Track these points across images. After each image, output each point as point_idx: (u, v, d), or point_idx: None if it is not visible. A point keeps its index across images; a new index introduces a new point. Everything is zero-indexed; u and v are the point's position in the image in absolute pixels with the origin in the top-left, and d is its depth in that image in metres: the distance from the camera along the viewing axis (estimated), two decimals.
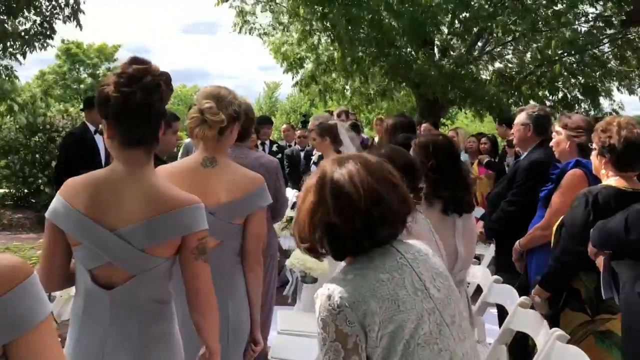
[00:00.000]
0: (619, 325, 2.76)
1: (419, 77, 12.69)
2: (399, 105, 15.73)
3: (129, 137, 1.93)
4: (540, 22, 12.66)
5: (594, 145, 3.05)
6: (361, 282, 1.57)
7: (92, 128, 6.47)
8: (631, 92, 14.24)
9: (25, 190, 11.36)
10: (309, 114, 24.22)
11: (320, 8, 12.50)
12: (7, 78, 13.88)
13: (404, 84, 14.09)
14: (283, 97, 39.51)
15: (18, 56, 12.58)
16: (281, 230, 5.33)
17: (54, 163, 9.26)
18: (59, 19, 12.45)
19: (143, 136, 1.94)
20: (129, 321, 1.94)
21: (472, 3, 12.84)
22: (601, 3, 13.45)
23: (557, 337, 2.66)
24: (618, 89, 14.20)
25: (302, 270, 3.94)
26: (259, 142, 7.93)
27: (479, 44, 14.16)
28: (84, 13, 12.46)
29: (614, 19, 13.14)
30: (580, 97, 14.07)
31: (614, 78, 13.90)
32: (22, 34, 12.30)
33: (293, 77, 14.55)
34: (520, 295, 3.28)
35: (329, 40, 13.44)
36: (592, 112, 13.80)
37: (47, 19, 12.39)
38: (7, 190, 11.61)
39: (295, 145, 9.11)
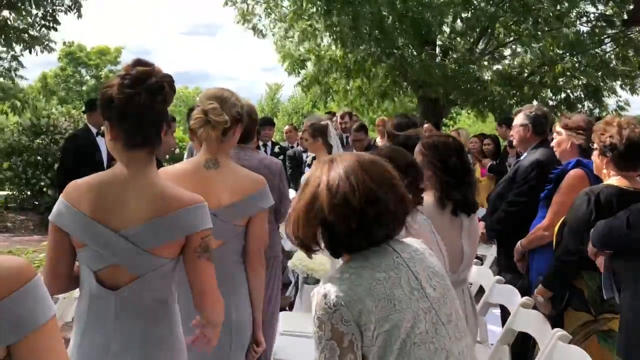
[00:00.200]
0: None
1: (421, 77, 12.68)
2: (400, 107, 15.72)
3: (133, 138, 1.94)
4: (541, 23, 12.65)
5: (595, 145, 3.06)
6: (357, 281, 1.58)
7: (94, 130, 6.48)
8: (633, 91, 14.22)
9: (28, 193, 11.38)
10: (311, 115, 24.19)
11: (324, 5, 12.46)
12: (10, 80, 13.93)
13: (405, 84, 14.09)
14: (285, 98, 39.52)
15: (20, 59, 12.64)
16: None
17: (56, 165, 9.28)
18: (61, 11, 12.48)
19: (146, 137, 1.95)
20: (133, 321, 1.95)
21: (475, 3, 12.83)
22: (602, 2, 13.44)
23: (559, 337, 2.67)
24: (621, 88, 14.21)
25: (304, 272, 3.95)
26: (260, 143, 7.94)
27: (481, 43, 14.15)
28: None
29: (615, 18, 13.13)
30: (583, 96, 14.07)
31: (618, 78, 13.88)
32: (26, 27, 12.32)
33: (295, 78, 14.59)
34: (522, 295, 3.28)
35: (331, 40, 13.41)
36: (596, 110, 13.81)
37: (50, 11, 12.42)
38: (10, 193, 11.64)
39: (297, 146, 9.11)
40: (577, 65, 13.59)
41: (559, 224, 3.25)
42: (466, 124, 24.66)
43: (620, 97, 14.34)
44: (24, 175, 11.07)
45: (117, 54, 38.76)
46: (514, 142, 4.47)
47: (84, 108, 7.72)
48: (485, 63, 14.33)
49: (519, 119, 4.15)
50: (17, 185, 11.37)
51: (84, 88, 37.60)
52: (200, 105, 2.58)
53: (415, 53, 12.92)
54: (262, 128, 7.88)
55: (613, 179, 3.00)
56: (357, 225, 1.61)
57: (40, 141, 11.06)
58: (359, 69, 13.49)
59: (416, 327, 1.57)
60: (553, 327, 2.83)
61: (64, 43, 17.03)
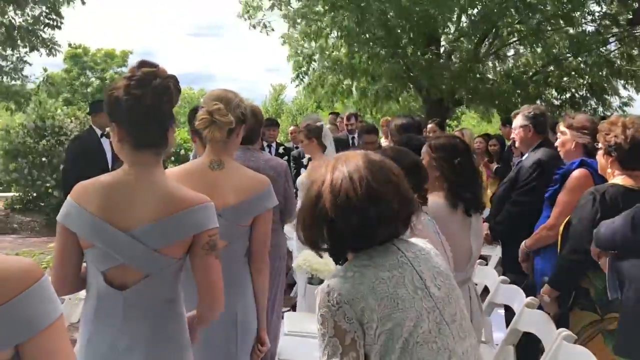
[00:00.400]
0: None
1: (425, 77, 12.66)
2: (405, 107, 15.70)
3: (140, 139, 1.95)
4: (544, 22, 12.62)
5: (600, 145, 3.06)
6: (360, 279, 1.59)
7: (98, 132, 6.50)
8: (638, 90, 14.17)
9: (34, 194, 11.40)
10: None
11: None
12: (17, 80, 13.98)
13: (410, 84, 14.07)
14: (289, 99, 39.57)
15: (25, 58, 12.67)
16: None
17: (62, 167, 9.32)
18: (63, 3, 12.52)
19: (153, 138, 1.97)
20: (141, 321, 1.96)
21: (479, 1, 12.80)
22: (607, 2, 13.40)
23: (564, 337, 2.67)
24: (625, 87, 14.16)
25: (309, 272, 3.95)
26: (265, 144, 7.95)
27: (486, 43, 14.13)
28: None
29: (620, 17, 13.09)
30: (587, 95, 14.03)
31: (623, 77, 13.83)
32: (30, 26, 12.35)
33: (301, 80, 14.55)
34: (527, 295, 3.28)
35: (336, 37, 13.37)
36: (600, 109, 13.77)
37: (53, 5, 12.45)
38: (16, 194, 11.66)
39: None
40: (582, 64, 13.56)
41: (564, 224, 3.25)
42: (470, 124, 24.63)
43: (623, 97, 14.32)
44: (30, 177, 11.09)
45: (123, 56, 38.82)
46: (516, 144, 4.47)
47: (88, 110, 7.74)
48: (490, 64, 14.31)
49: (519, 121, 4.16)
50: (23, 186, 11.39)
51: (89, 90, 37.68)
52: (204, 106, 2.59)
53: (419, 53, 12.90)
54: (267, 129, 7.90)
55: (618, 178, 3.00)
56: (360, 224, 1.61)
57: (46, 142, 11.08)
58: (364, 70, 13.48)
59: (419, 326, 1.57)
60: (558, 327, 2.83)
61: (70, 45, 17.10)
